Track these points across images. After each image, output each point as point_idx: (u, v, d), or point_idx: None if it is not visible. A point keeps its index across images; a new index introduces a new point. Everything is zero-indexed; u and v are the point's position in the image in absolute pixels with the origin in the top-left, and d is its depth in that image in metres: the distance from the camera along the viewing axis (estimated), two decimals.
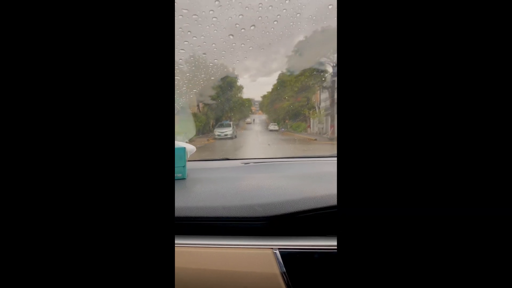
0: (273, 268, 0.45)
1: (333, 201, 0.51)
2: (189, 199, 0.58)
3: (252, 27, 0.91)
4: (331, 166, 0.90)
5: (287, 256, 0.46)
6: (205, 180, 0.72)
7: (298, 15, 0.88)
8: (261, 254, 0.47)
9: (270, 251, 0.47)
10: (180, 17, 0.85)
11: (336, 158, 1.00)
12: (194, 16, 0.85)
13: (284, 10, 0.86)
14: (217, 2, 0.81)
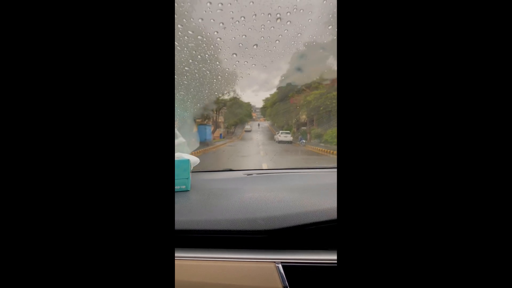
0: (275, 282, 0.45)
1: (336, 215, 0.51)
2: (192, 211, 0.59)
3: (254, 46, 0.95)
4: (333, 177, 0.90)
5: (290, 270, 0.46)
6: (208, 192, 0.73)
7: (299, 35, 0.92)
8: (264, 268, 0.47)
9: (272, 265, 0.47)
10: (186, 38, 0.89)
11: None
12: (199, 37, 0.89)
13: (286, 31, 0.90)
14: (221, 24, 0.85)
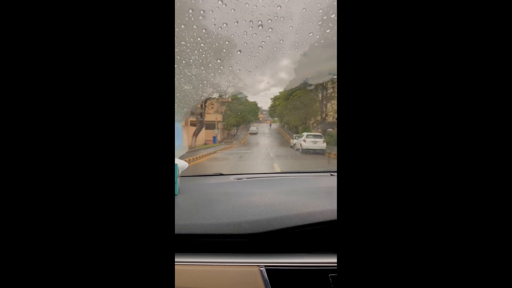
0: (258, 285, 0.45)
1: (321, 218, 0.52)
2: (178, 215, 0.58)
3: (238, 52, 0.96)
4: (321, 181, 0.91)
5: (273, 274, 0.46)
6: (195, 196, 0.73)
7: (281, 41, 0.94)
8: (247, 272, 0.47)
9: (256, 269, 0.47)
10: None
11: (328, 173, 1.02)
12: (182, 43, 0.89)
13: (268, 37, 0.92)
14: (204, 31, 0.86)
